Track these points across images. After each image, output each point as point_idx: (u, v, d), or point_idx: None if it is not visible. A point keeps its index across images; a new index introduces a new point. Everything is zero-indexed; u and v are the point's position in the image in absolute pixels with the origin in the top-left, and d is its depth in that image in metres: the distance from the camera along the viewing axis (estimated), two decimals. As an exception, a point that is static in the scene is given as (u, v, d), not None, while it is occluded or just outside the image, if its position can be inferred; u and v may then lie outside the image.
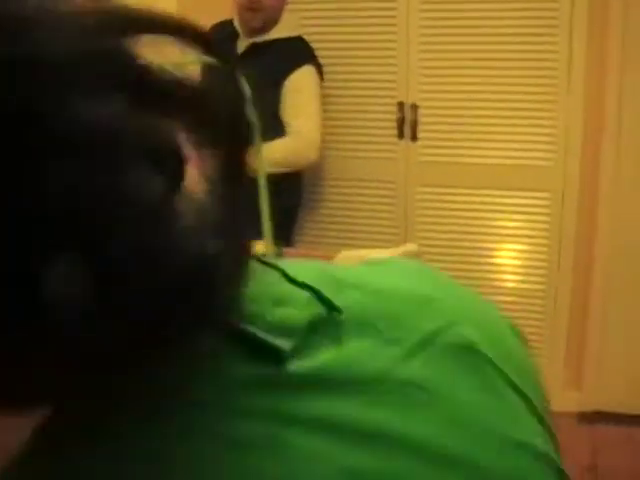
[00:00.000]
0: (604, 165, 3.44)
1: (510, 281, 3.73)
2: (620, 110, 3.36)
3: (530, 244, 3.67)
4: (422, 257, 2.48)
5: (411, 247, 2.41)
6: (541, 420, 0.66)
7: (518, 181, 3.57)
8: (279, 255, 2.45)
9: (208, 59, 0.50)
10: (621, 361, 3.69)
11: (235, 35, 3.27)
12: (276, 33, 3.25)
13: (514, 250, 3.69)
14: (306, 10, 3.62)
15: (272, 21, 3.23)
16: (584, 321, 3.69)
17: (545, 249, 3.64)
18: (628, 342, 3.66)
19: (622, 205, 3.47)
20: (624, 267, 3.55)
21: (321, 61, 3.37)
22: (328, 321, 0.57)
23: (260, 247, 2.38)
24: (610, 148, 3.40)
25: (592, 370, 3.74)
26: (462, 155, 3.60)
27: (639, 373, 3.68)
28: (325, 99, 3.44)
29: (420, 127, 3.61)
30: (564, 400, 3.80)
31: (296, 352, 0.54)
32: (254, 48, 3.23)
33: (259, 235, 1.45)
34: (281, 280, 0.59)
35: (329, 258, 2.23)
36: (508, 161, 3.55)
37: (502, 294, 3.73)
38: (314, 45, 3.39)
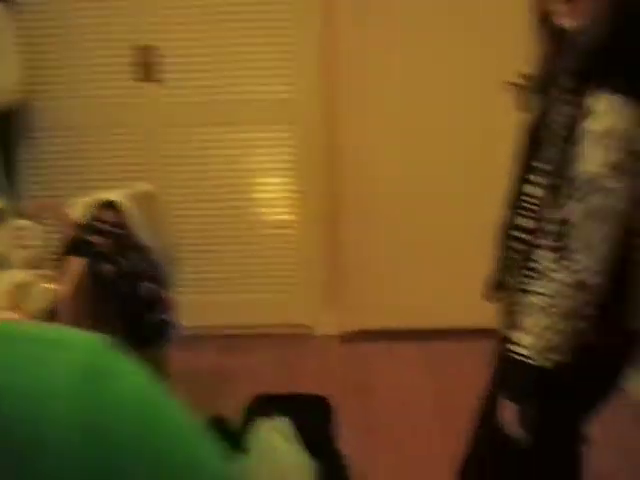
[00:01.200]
0: (341, 94, 3.63)
1: (262, 214, 3.83)
2: (355, 42, 3.56)
3: (278, 176, 3.79)
4: (157, 197, 2.51)
5: (143, 187, 2.43)
6: None
7: (261, 115, 3.69)
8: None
9: None
10: (377, 281, 3.88)
11: None
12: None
13: (263, 183, 3.81)
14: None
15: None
16: (338, 246, 3.85)
17: (292, 179, 3.77)
18: (381, 263, 3.85)
19: (362, 129, 3.67)
20: (369, 189, 3.75)
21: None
22: None
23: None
24: (345, 78, 3.60)
25: (350, 292, 3.90)
26: (206, 93, 3.67)
27: (397, 291, 3.88)
28: (49, 46, 3.42)
29: (162, 68, 3.65)
30: (327, 324, 3.94)
31: None
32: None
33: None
34: None
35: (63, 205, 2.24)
36: (250, 96, 3.67)
37: (256, 227, 3.84)
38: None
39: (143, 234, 2.12)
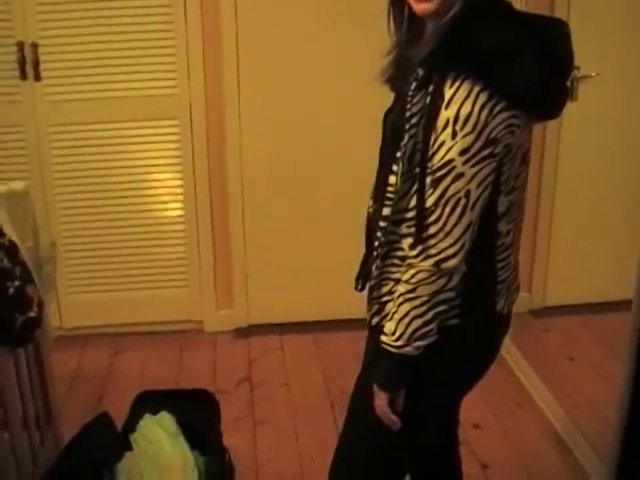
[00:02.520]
0: (227, 88, 3.62)
1: (152, 210, 3.81)
2: (237, 35, 3.56)
3: (166, 172, 3.77)
4: (29, 195, 2.46)
5: (17, 185, 2.39)
6: None
7: (146, 111, 3.67)
8: None
9: None
10: (267, 276, 3.90)
11: None
12: None
13: (151, 180, 3.78)
14: None
15: None
16: (228, 242, 3.86)
17: (180, 174, 3.76)
18: (269, 257, 3.88)
19: (248, 125, 3.68)
20: (258, 185, 3.77)
21: None
22: None
23: None
24: (231, 70, 3.60)
25: (241, 288, 3.92)
26: (88, 91, 3.62)
27: (285, 285, 3.92)
28: None
29: (42, 66, 3.58)
30: (218, 319, 3.95)
31: None
32: None
33: None
34: None
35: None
36: (135, 92, 3.64)
37: (146, 224, 3.81)
38: None
39: (13, 234, 2.09)
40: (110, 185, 3.74)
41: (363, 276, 1.82)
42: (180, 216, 3.82)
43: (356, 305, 1.92)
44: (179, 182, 3.78)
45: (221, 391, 3.39)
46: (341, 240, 3.63)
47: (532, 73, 1.50)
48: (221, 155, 3.73)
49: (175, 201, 3.81)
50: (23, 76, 3.59)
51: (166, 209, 3.82)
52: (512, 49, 1.49)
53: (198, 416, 2.73)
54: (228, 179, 3.76)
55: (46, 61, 3.58)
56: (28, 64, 3.58)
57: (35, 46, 3.55)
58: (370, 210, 1.79)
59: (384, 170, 1.68)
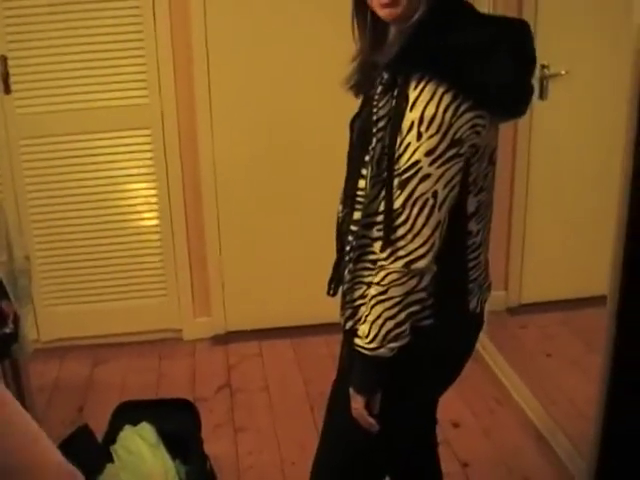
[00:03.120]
0: (199, 95, 3.63)
1: (127, 220, 3.80)
2: (207, 42, 3.56)
3: (140, 182, 3.77)
4: (2, 208, 2.45)
5: None
6: None
7: (118, 122, 3.66)
8: None
9: None
10: (243, 283, 3.91)
11: None
12: None
13: (125, 190, 3.78)
14: None
15: None
16: (203, 251, 3.86)
17: (154, 184, 3.76)
18: (245, 265, 3.88)
19: (220, 132, 3.69)
20: (231, 193, 3.77)
21: None
22: None
23: None
24: (201, 77, 3.60)
25: (218, 295, 3.92)
26: (59, 103, 3.61)
27: (262, 292, 3.92)
28: None
29: (12, 79, 3.57)
30: (196, 327, 3.95)
31: None
32: None
33: None
34: None
35: None
36: (104, 103, 3.63)
37: (121, 235, 3.80)
38: None
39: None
40: (84, 196, 3.73)
41: (335, 280, 1.83)
42: (155, 225, 3.82)
43: (332, 309, 1.93)
44: (153, 192, 3.77)
45: (201, 399, 3.39)
46: (316, 245, 3.64)
47: (508, 73, 1.52)
48: (194, 163, 3.73)
49: (150, 210, 3.80)
50: (-7, 89, 3.58)
51: (141, 219, 3.81)
52: (487, 49, 1.51)
53: (178, 425, 2.73)
54: (202, 187, 3.76)
55: (16, 74, 3.57)
56: (-1, 77, 3.56)
57: (4, 59, 3.54)
58: (340, 215, 1.80)
59: (353, 175, 1.70)
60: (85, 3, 3.49)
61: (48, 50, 3.55)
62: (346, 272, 1.71)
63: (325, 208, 3.23)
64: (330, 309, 2.07)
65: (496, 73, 1.50)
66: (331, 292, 1.84)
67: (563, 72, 3.48)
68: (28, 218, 3.73)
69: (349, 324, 1.76)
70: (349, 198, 1.70)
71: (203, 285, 3.91)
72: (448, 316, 1.73)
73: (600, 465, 2.58)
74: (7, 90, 3.59)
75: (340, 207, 1.79)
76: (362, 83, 1.72)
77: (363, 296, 1.69)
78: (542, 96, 3.48)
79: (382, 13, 1.57)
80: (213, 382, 3.59)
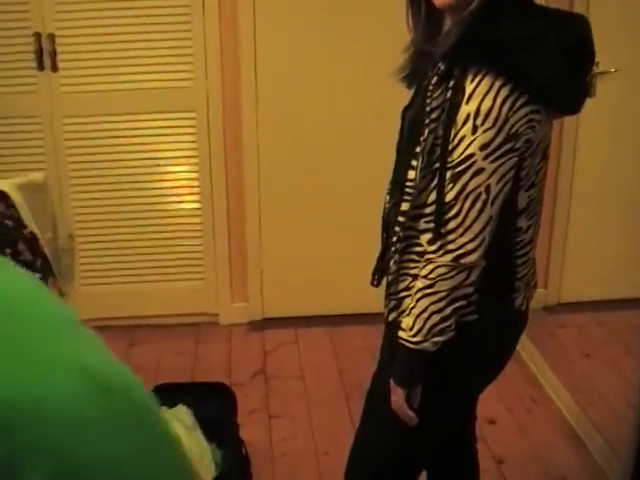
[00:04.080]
0: (245, 80, 3.62)
1: (168, 203, 3.81)
2: (255, 29, 3.56)
3: (182, 164, 3.78)
4: (48, 186, 2.46)
5: (36, 176, 2.38)
6: None
7: (163, 103, 3.67)
8: None
9: None
10: (282, 269, 3.91)
11: None
12: None
13: (167, 172, 3.78)
14: None
15: None
16: (243, 236, 3.86)
17: (197, 167, 3.76)
18: (284, 251, 3.88)
19: (265, 117, 3.68)
20: (274, 179, 3.77)
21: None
22: None
23: None
24: (248, 63, 3.59)
25: (256, 281, 3.92)
26: (104, 82, 3.63)
27: (300, 279, 3.92)
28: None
29: (59, 57, 3.59)
30: (233, 312, 3.95)
31: None
32: None
33: None
34: None
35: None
36: (150, 84, 3.64)
37: (161, 217, 3.81)
38: None
39: (34, 225, 2.09)
40: (125, 177, 3.74)
41: (379, 271, 1.82)
42: (196, 209, 3.82)
43: (370, 300, 1.92)
44: (195, 175, 3.78)
45: (236, 384, 3.39)
46: (357, 235, 3.63)
47: (555, 64, 1.49)
48: (238, 148, 3.73)
49: (191, 194, 3.81)
50: (40, 67, 3.60)
51: (182, 201, 3.82)
52: (536, 41, 1.49)
53: (215, 409, 2.74)
54: (244, 172, 3.75)
55: (63, 52, 3.58)
56: (45, 55, 3.58)
57: (52, 37, 3.56)
58: (387, 205, 1.78)
59: (402, 165, 1.68)
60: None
61: (96, 30, 3.55)
62: (392, 263, 1.70)
63: (369, 198, 3.23)
64: (367, 299, 2.06)
65: (547, 64, 1.48)
66: (375, 283, 1.84)
67: (612, 70, 3.42)
68: (69, 197, 3.75)
69: (392, 316, 1.74)
70: (397, 189, 1.69)
71: (241, 270, 3.91)
72: (494, 312, 1.71)
73: (637, 466, 2.55)
74: (54, 68, 3.60)
75: (387, 197, 1.78)
76: (415, 74, 1.70)
77: (408, 288, 1.68)
78: (590, 93, 3.43)
79: (438, 2, 1.55)
80: (249, 368, 3.59)
